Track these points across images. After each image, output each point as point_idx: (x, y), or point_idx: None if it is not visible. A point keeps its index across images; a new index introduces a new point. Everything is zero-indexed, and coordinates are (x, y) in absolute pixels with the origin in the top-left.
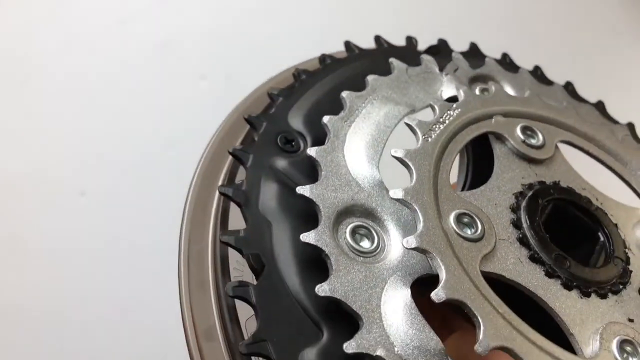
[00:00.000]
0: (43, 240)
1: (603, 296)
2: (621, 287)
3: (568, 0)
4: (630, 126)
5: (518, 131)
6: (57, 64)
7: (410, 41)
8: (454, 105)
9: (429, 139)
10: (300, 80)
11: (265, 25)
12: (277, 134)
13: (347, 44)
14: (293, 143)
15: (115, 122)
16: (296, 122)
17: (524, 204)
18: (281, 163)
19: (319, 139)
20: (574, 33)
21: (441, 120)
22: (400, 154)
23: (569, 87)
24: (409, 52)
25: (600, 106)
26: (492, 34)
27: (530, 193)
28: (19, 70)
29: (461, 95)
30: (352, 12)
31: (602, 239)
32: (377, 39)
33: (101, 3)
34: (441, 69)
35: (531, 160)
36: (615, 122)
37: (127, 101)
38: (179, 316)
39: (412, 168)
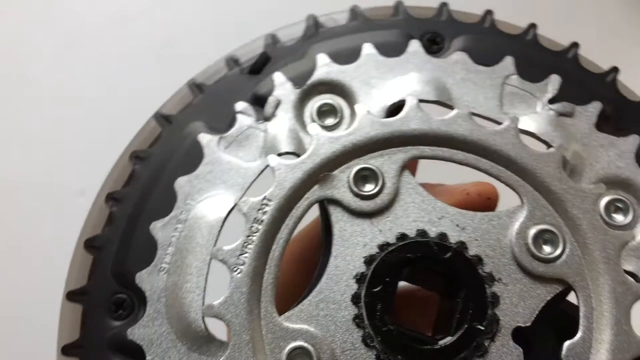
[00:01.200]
0: (43, 241)
1: None
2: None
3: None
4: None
5: (349, 181)
6: (57, 64)
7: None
8: (267, 196)
9: (239, 271)
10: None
11: (266, 25)
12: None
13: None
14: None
15: (115, 122)
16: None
17: (364, 291)
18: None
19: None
20: (574, 33)
21: (252, 228)
22: (209, 312)
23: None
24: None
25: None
26: None
27: (370, 272)
28: (19, 70)
29: (275, 173)
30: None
31: (457, 299)
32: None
33: (101, 3)
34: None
35: (371, 215)
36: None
37: (127, 101)
38: None
39: (227, 326)
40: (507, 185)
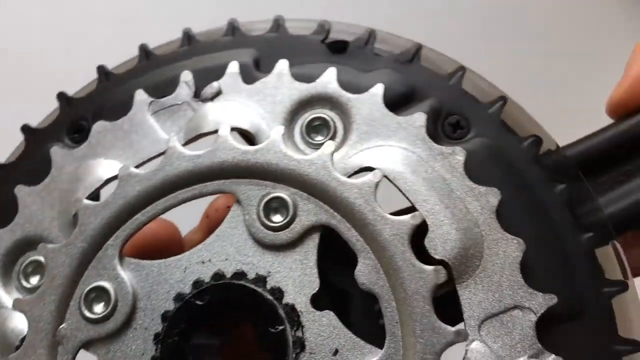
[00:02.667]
0: None
1: None
2: None
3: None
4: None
5: None
6: (56, 64)
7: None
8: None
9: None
10: None
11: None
12: None
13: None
14: None
15: None
16: None
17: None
18: None
19: None
20: (574, 33)
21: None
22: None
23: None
24: None
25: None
26: (488, 35)
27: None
28: (19, 70)
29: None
30: (354, 12)
31: None
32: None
33: (101, 3)
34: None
35: None
36: None
37: None
38: None
39: None
40: None
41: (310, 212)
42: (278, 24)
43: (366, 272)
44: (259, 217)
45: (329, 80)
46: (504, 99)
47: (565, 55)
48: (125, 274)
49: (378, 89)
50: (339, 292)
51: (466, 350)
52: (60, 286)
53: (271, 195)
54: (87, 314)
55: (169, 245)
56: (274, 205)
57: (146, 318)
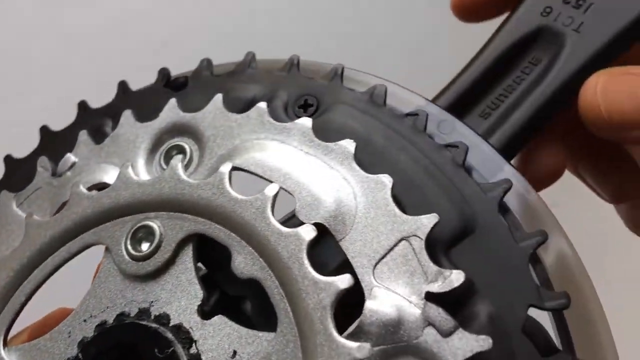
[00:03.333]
0: None
1: None
2: None
3: None
4: None
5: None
6: (56, 64)
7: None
8: None
9: None
10: None
11: (266, 25)
12: None
13: None
14: None
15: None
16: None
17: None
18: None
19: None
20: None
21: None
22: None
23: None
24: None
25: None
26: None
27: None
28: (19, 70)
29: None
30: (353, 13)
31: None
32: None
33: (101, 3)
34: None
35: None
36: None
37: None
38: None
39: None
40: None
41: (175, 228)
42: (123, 88)
43: (243, 262)
44: (128, 252)
45: (169, 110)
46: (339, 68)
47: None
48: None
49: (217, 98)
50: (234, 297)
51: (365, 302)
52: None
53: (135, 227)
54: None
55: None
56: (140, 236)
57: None
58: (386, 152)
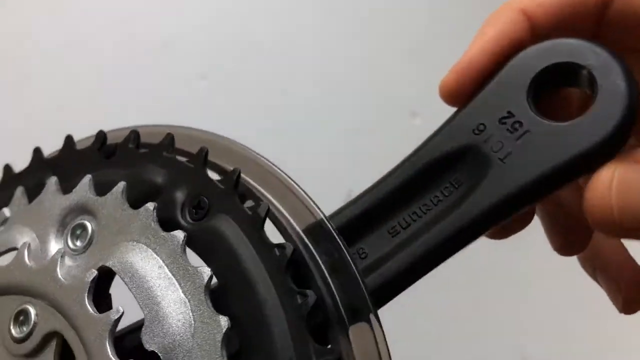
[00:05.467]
0: None
1: None
2: None
3: None
4: None
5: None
6: (56, 64)
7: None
8: None
9: None
10: None
11: (266, 25)
12: None
13: None
14: None
15: (115, 123)
16: None
17: None
18: None
19: None
20: None
21: None
22: None
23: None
24: None
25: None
26: None
27: None
28: (19, 70)
29: None
30: (353, 13)
31: None
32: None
33: (101, 3)
34: None
35: None
36: None
37: (126, 101)
38: None
39: None
40: None
41: (47, 320)
42: (69, 143)
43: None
44: (10, 331)
45: (80, 188)
46: (237, 171)
47: None
48: None
49: (119, 187)
50: None
51: None
52: None
53: (18, 309)
54: None
55: None
56: (21, 319)
57: None
58: (239, 288)
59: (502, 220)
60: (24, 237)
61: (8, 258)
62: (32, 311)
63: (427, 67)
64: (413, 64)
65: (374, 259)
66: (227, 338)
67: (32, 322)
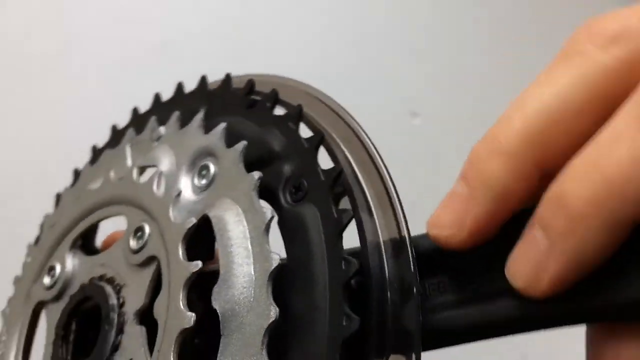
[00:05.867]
0: None
1: None
2: None
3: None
4: None
5: None
6: (56, 64)
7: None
8: None
9: None
10: None
11: (266, 25)
12: None
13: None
14: None
15: (115, 123)
16: None
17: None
18: None
19: None
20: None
21: None
22: None
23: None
24: None
25: None
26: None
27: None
28: (18, 70)
29: None
30: (354, 13)
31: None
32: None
33: (101, 3)
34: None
35: None
36: None
37: (126, 101)
38: None
39: None
40: None
41: (154, 244)
42: (227, 81)
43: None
44: (128, 240)
45: (215, 133)
46: (338, 169)
47: None
48: (70, 261)
49: (240, 145)
50: None
51: None
52: (43, 251)
53: (139, 225)
54: (44, 281)
55: None
56: (139, 234)
57: (66, 297)
58: (301, 286)
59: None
60: (165, 160)
61: (150, 172)
62: (147, 231)
63: (427, 67)
64: (413, 64)
65: (452, 298)
66: (272, 328)
67: (145, 241)
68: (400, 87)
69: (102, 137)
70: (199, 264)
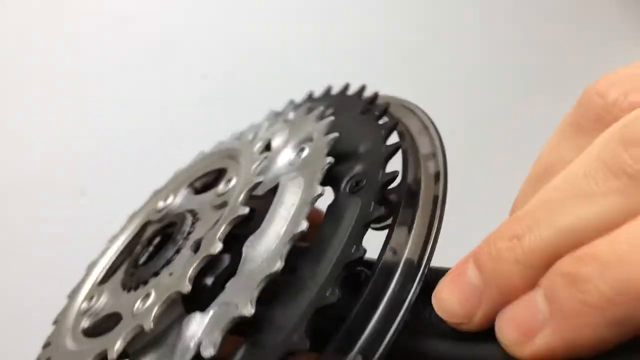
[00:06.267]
0: (42, 242)
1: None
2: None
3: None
4: None
5: None
6: (56, 63)
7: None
8: None
9: None
10: None
11: (266, 25)
12: None
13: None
14: None
15: (115, 122)
16: None
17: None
18: None
19: None
20: (575, 33)
21: None
22: None
23: None
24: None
25: None
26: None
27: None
28: (18, 70)
29: None
30: (353, 13)
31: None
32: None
33: (101, 3)
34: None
35: None
36: None
37: (126, 101)
38: None
39: None
40: None
41: (232, 193)
42: (361, 89)
43: None
44: (219, 185)
45: (322, 124)
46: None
47: (565, 55)
48: (180, 196)
49: (331, 136)
50: None
51: None
52: (169, 188)
53: (230, 176)
54: (158, 205)
55: None
56: (227, 180)
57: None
58: (311, 260)
59: None
60: (280, 136)
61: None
62: (233, 182)
63: (427, 67)
64: (413, 64)
65: (449, 329)
66: (271, 278)
67: (228, 188)
68: (400, 87)
69: (102, 137)
70: (246, 209)
